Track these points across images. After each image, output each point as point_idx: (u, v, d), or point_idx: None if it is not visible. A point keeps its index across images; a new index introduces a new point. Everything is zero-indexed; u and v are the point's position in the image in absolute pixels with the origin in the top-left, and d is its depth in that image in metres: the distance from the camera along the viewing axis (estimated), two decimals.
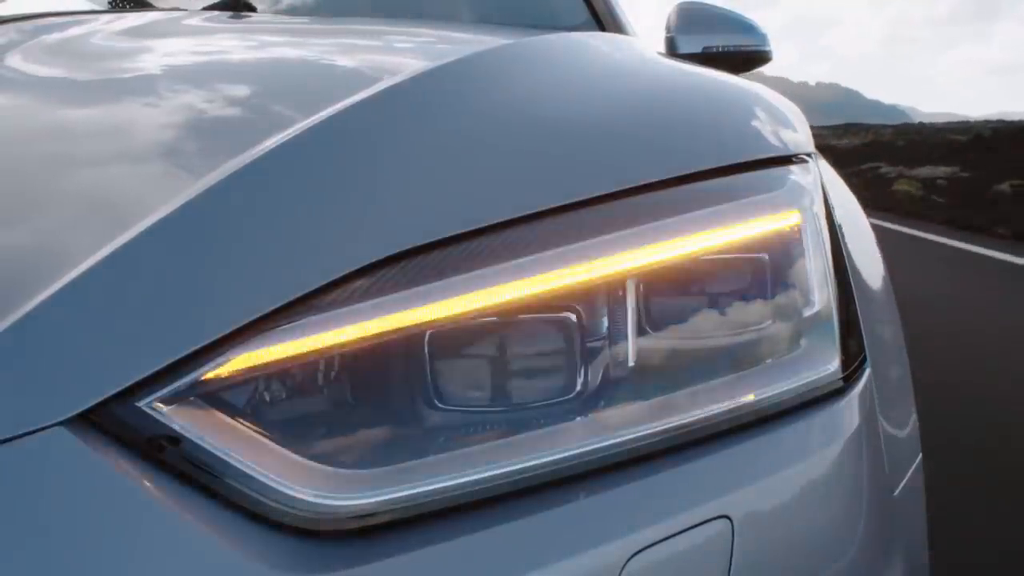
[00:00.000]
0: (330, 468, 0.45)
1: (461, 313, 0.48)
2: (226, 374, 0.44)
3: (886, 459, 0.61)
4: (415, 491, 0.45)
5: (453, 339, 0.48)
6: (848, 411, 0.57)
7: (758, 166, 0.61)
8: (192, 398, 0.43)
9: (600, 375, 0.50)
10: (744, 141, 0.65)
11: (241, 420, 0.44)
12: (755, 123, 0.69)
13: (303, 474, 0.44)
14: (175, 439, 0.43)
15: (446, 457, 0.46)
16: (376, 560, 0.42)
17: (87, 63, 0.89)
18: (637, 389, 0.51)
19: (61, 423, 0.40)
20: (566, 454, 0.48)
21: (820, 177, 0.66)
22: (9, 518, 0.38)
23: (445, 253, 0.49)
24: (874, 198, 10.61)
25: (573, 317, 0.50)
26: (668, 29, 1.56)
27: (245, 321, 0.44)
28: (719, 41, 1.52)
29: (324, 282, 0.46)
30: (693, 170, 0.58)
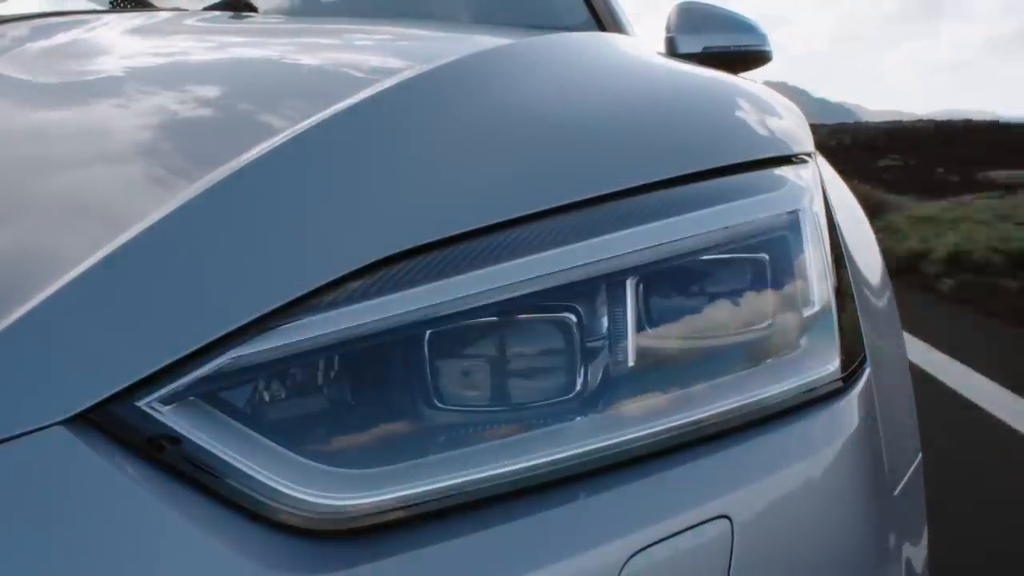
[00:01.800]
0: (330, 468, 0.45)
1: (461, 313, 0.48)
2: (226, 374, 0.44)
3: (886, 459, 0.61)
4: (415, 491, 0.45)
5: (453, 339, 0.48)
6: (848, 411, 0.57)
7: (758, 166, 0.61)
8: (192, 398, 0.43)
9: (600, 375, 0.50)
10: (744, 141, 0.65)
11: (241, 420, 0.44)
12: (755, 123, 0.69)
13: (303, 474, 0.44)
14: (175, 439, 0.43)
15: (446, 457, 0.46)
16: (376, 560, 0.42)
17: (87, 63, 0.89)
18: (637, 389, 0.51)
19: (61, 423, 0.40)
20: (566, 454, 0.48)
21: (820, 176, 0.66)
22: (9, 518, 0.38)
23: (445, 253, 0.49)
24: None
25: (573, 317, 0.50)
26: (668, 29, 1.55)
27: (245, 321, 0.44)
28: (719, 41, 1.52)
29: (324, 282, 0.46)
30: (693, 170, 0.58)
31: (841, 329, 0.59)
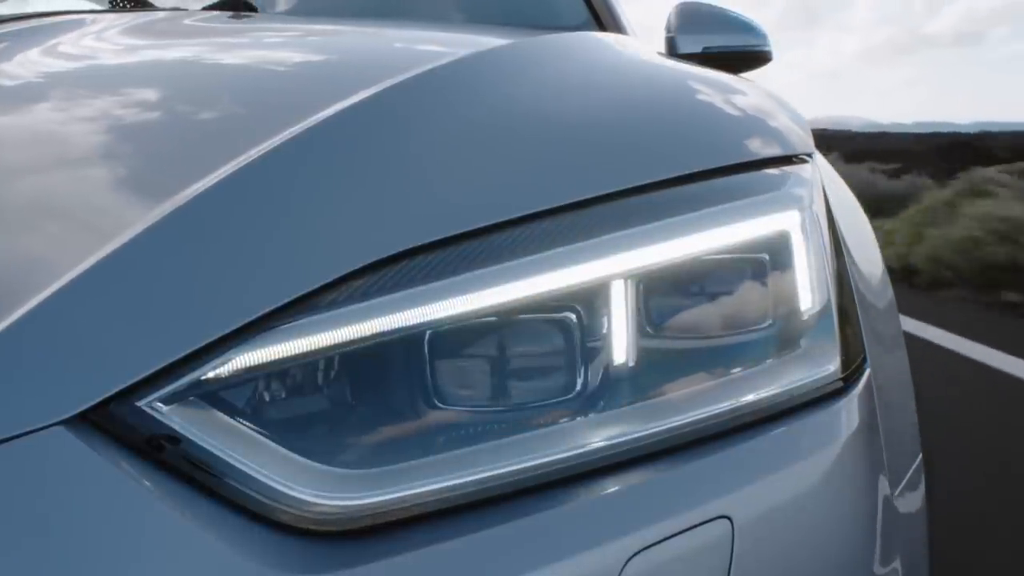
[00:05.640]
0: (330, 468, 0.45)
1: (461, 313, 0.48)
2: (226, 374, 0.44)
3: (886, 459, 0.61)
4: (415, 491, 0.45)
5: (453, 339, 0.48)
6: (848, 411, 0.57)
7: (758, 166, 0.61)
8: (192, 398, 0.43)
9: (600, 375, 0.50)
10: (744, 141, 0.65)
11: (241, 420, 0.44)
12: (755, 123, 0.69)
13: (303, 474, 0.44)
14: (175, 439, 0.43)
15: (446, 457, 0.46)
16: (376, 560, 0.42)
17: (86, 63, 0.89)
18: (637, 389, 0.51)
19: (61, 423, 0.40)
20: (566, 454, 0.48)
21: (820, 177, 0.66)
22: (9, 518, 0.38)
23: (445, 253, 0.49)
24: None
25: (573, 317, 0.50)
26: (668, 29, 1.55)
27: (245, 321, 0.44)
28: (719, 41, 1.51)
29: (324, 282, 0.46)
30: (693, 170, 0.58)
31: (841, 329, 0.59)
